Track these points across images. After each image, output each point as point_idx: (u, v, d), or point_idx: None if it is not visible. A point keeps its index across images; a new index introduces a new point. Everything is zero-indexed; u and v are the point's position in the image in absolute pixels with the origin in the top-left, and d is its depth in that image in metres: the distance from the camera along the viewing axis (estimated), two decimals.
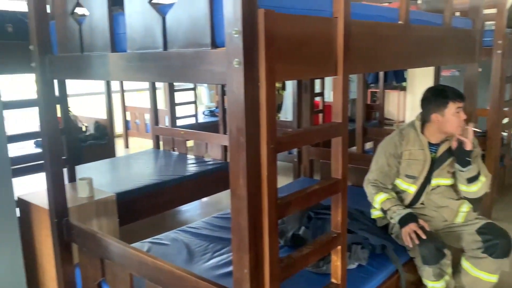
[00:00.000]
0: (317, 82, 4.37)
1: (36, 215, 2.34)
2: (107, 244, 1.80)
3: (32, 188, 2.63)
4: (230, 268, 2.03)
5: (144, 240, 2.37)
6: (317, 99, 4.15)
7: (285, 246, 2.23)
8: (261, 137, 1.24)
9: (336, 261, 1.59)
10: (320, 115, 4.28)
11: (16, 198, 2.23)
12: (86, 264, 1.95)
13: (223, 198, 4.44)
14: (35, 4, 1.85)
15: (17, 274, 2.21)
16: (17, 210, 2.33)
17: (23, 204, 2.41)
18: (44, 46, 1.89)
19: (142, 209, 3.16)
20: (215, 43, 1.29)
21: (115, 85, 6.28)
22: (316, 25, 1.40)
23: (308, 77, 3.20)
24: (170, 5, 1.40)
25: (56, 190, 2.00)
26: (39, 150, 4.66)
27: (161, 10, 1.42)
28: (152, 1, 1.44)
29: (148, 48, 1.47)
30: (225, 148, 4.05)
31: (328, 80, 5.19)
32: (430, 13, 2.41)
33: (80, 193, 2.39)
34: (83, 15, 1.75)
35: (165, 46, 1.42)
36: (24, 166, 2.87)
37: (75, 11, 1.78)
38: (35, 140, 4.79)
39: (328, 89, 5.65)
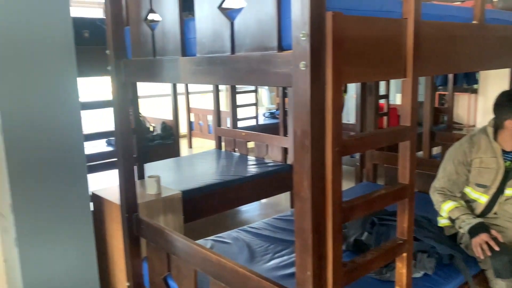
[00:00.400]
0: (382, 84, 4.26)
1: (108, 209, 2.49)
2: (173, 240, 1.87)
3: (102, 184, 2.79)
4: (291, 270, 2.04)
5: (207, 238, 2.44)
6: (382, 101, 4.05)
7: (347, 251, 2.20)
8: (326, 139, 1.23)
9: (401, 268, 1.55)
10: (385, 118, 4.16)
11: (89, 193, 2.39)
12: (153, 258, 2.04)
13: (282, 200, 4.45)
14: (112, 11, 1.98)
15: (90, 264, 2.36)
16: (91, 204, 2.49)
17: (96, 199, 2.57)
18: (120, 50, 2.02)
19: (205, 207, 3.25)
20: (282, 46, 1.31)
21: (180, 87, 6.52)
22: (385, 27, 1.37)
23: (375, 80, 3.14)
24: (239, 10, 1.43)
25: (127, 186, 2.11)
26: (110, 148, 4.96)
27: (230, 15, 1.46)
28: (221, 7, 1.49)
29: (217, 52, 1.52)
30: (285, 150, 4.06)
31: (394, 82, 5.04)
32: (507, 11, 2.27)
33: (148, 190, 2.50)
34: (156, 21, 1.84)
35: (233, 50, 1.46)
36: (96, 164, 3.07)
37: (148, 17, 1.87)
38: (107, 139, 5.10)
39: (393, 91, 5.48)
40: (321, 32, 1.18)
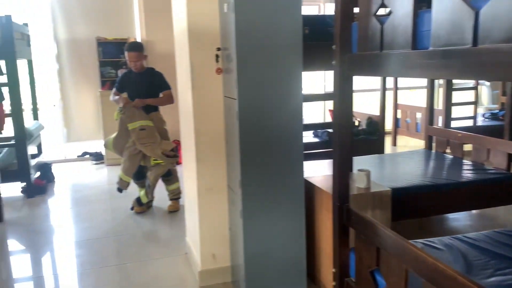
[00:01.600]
0: None
1: (319, 196, 2.62)
2: (384, 236, 1.86)
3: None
4: None
5: (416, 240, 2.34)
6: None
7: None
8: None
9: None
10: None
11: None
12: (362, 251, 2.07)
13: (501, 213, 3.93)
14: (342, 8, 2.05)
15: (300, 244, 2.54)
16: None
17: (308, 185, 2.73)
18: (345, 45, 2.08)
19: (412, 208, 3.11)
20: None
21: (389, 82, 6.36)
22: None
23: None
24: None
25: (341, 177, 2.18)
26: (316, 140, 5.21)
27: (474, 5, 1.35)
28: None
29: (454, 44, 1.43)
30: (510, 156, 3.55)
31: None
32: None
33: (358, 183, 2.54)
34: (386, 15, 1.84)
35: (475, 42, 1.35)
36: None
37: (378, 12, 1.88)
38: (314, 130, 5.37)
39: None
40: None
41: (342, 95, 2.14)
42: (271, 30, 2.31)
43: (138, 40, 6.58)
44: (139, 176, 4.46)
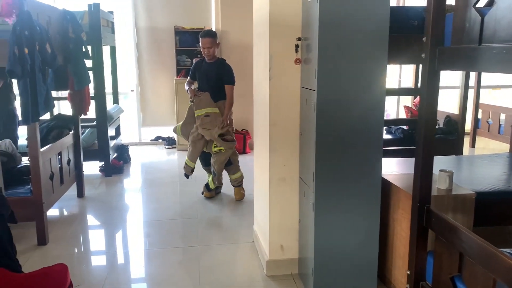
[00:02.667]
0: None
1: (395, 195, 2.52)
2: (470, 241, 1.75)
3: None
4: None
5: (502, 249, 2.18)
6: None
7: None
8: None
9: None
10: None
11: None
12: (442, 255, 1.97)
13: None
14: None
15: (373, 241, 2.47)
16: None
17: (384, 183, 2.63)
18: (437, 38, 1.97)
19: (496, 215, 2.90)
20: None
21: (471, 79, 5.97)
22: None
23: None
24: None
25: (423, 177, 2.08)
26: (389, 136, 5.03)
27: None
28: None
29: None
30: None
31: None
32: None
33: (439, 184, 2.41)
34: (487, 7, 1.71)
35: None
36: None
37: (478, 3, 1.75)
38: (387, 127, 5.19)
39: None
40: None
41: (430, 91, 2.03)
42: (356, 20, 2.24)
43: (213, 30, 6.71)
44: (207, 162, 4.59)
